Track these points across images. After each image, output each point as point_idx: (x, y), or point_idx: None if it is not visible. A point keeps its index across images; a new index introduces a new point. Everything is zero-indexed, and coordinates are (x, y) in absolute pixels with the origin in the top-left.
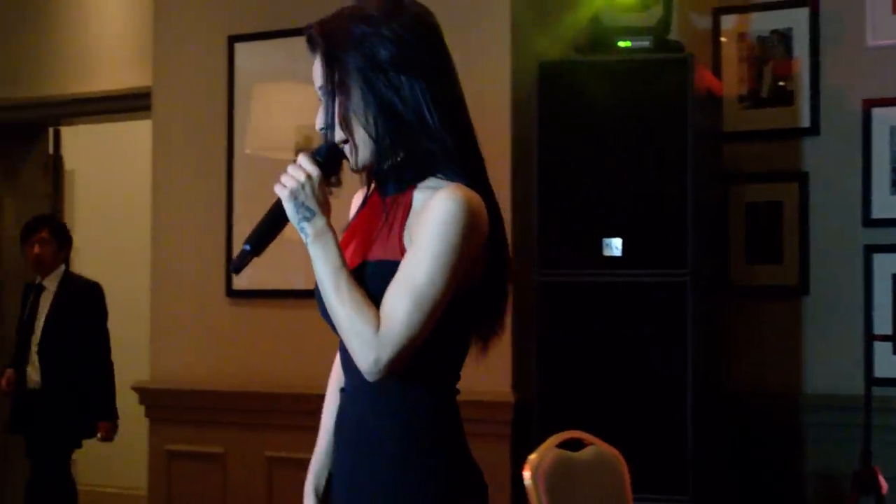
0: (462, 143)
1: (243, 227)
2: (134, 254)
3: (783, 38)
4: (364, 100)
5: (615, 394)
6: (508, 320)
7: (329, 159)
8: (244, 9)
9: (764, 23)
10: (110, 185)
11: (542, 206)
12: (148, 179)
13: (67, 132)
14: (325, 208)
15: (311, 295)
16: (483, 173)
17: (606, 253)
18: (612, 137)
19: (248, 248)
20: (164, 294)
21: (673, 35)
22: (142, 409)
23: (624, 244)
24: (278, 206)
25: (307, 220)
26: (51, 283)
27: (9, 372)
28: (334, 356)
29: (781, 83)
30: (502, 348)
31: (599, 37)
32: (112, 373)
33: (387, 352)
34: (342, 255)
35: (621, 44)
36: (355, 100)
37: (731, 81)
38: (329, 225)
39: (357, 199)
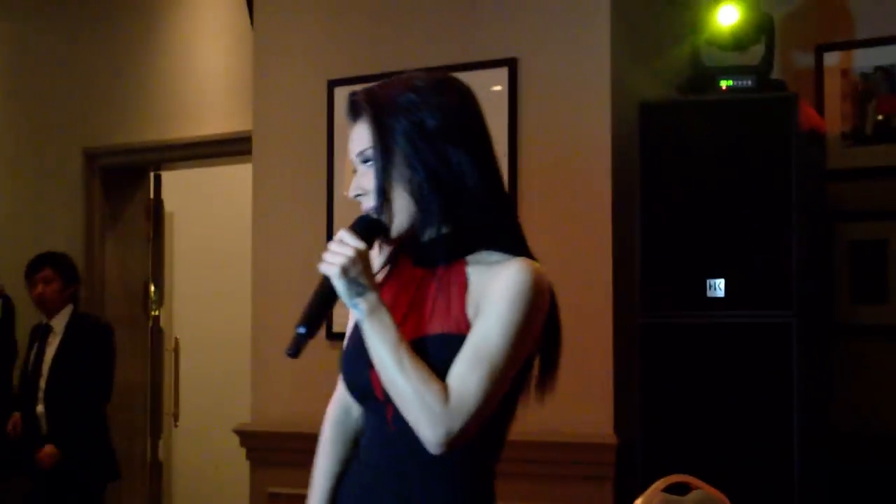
0: (509, 216)
1: None
2: (234, 296)
3: (887, 74)
4: (410, 167)
5: (719, 436)
6: (610, 361)
7: (370, 231)
8: (343, 53)
9: (867, 59)
10: (209, 227)
11: (644, 248)
12: (247, 222)
13: (167, 176)
14: (374, 282)
15: None
16: (527, 246)
17: (710, 294)
18: (714, 177)
19: (302, 330)
20: (265, 336)
21: (775, 73)
22: (242, 451)
23: (727, 285)
24: (326, 284)
25: (360, 295)
26: (58, 324)
27: (15, 416)
28: None
29: (885, 120)
30: (604, 390)
31: (701, 76)
32: (103, 426)
33: (458, 424)
34: (398, 329)
35: (723, 83)
36: (400, 167)
37: (835, 119)
38: (381, 299)
39: None
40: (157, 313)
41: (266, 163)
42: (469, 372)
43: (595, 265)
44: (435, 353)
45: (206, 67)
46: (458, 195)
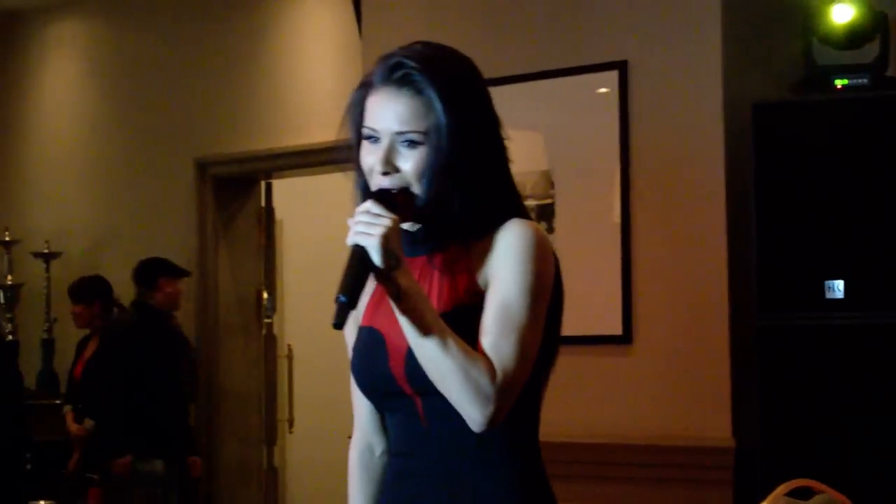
0: (516, 195)
1: None
2: None
3: None
4: (464, 158)
5: (840, 439)
6: (727, 364)
7: (392, 207)
8: None
9: None
10: (320, 234)
11: (760, 249)
12: None
13: (278, 184)
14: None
15: (574, 342)
16: (527, 213)
17: (829, 295)
18: (831, 177)
19: (343, 299)
20: None
21: (890, 71)
22: None
23: (846, 286)
24: (361, 256)
25: (397, 268)
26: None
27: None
28: (583, 405)
29: None
30: (722, 393)
31: (815, 75)
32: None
33: (505, 398)
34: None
35: (838, 82)
36: (451, 156)
37: None
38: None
39: None
40: (270, 320)
41: None
42: (501, 339)
43: (711, 267)
44: (456, 328)
45: (314, 75)
46: (483, 182)
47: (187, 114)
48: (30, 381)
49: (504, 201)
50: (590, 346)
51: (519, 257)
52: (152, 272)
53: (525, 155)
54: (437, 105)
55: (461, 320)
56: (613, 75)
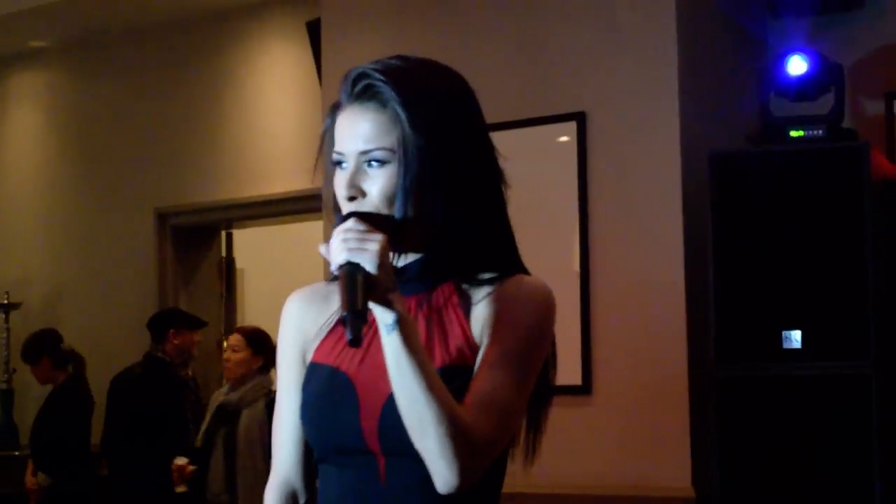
0: (506, 229)
1: None
2: None
3: None
4: (436, 179)
5: (798, 491)
6: (686, 414)
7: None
8: None
9: None
10: (280, 284)
11: (718, 299)
12: (318, 278)
13: (238, 234)
14: None
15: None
16: (521, 260)
17: (786, 345)
18: (787, 228)
19: (350, 315)
20: None
21: (846, 122)
22: None
23: (804, 336)
24: (354, 273)
25: (393, 290)
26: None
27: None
28: (542, 455)
29: None
30: (681, 443)
31: (771, 127)
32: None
33: (482, 457)
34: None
35: (794, 133)
36: (425, 171)
37: None
38: None
39: (297, 305)
40: None
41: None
42: (492, 400)
43: (669, 317)
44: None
45: (275, 126)
46: (465, 211)
47: (147, 164)
48: None
49: (498, 243)
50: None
51: (523, 318)
52: (162, 324)
53: None
54: (402, 115)
55: (450, 381)
56: (572, 126)
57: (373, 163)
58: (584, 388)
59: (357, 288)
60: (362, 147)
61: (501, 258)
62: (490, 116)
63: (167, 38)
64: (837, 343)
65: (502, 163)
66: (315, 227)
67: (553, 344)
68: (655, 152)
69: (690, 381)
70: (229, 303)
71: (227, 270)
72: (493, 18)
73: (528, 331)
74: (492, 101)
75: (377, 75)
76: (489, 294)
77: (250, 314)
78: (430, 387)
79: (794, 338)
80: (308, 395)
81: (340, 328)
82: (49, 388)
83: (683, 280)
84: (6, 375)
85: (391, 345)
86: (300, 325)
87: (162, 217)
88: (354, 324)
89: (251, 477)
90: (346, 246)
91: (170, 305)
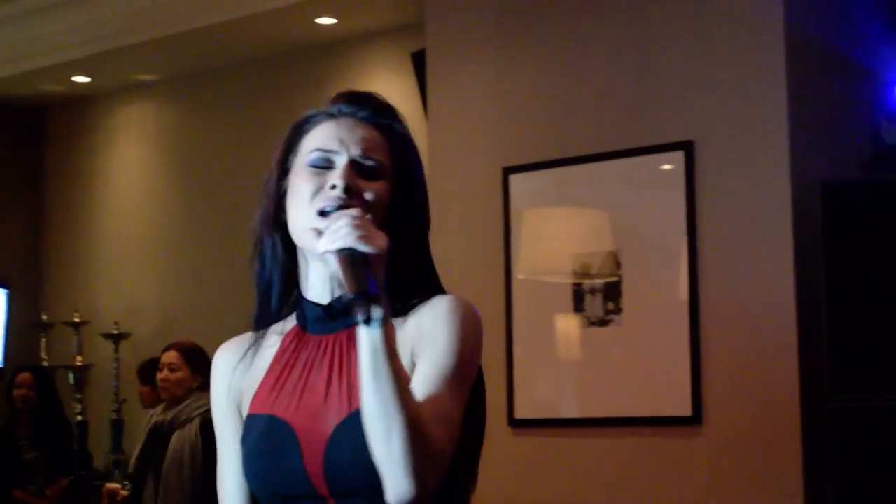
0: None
1: (521, 351)
2: None
3: None
4: (407, 206)
5: None
6: (798, 446)
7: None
8: (517, 140)
9: None
10: None
11: (831, 328)
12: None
13: None
14: None
15: (592, 423)
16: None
17: None
18: None
19: (370, 292)
20: None
21: None
22: None
23: None
24: (353, 259)
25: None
26: None
27: None
28: (653, 487)
29: None
30: (793, 476)
31: (882, 154)
32: None
33: (438, 468)
34: None
35: None
36: (406, 199)
37: None
38: None
39: (224, 361)
40: None
41: (444, 248)
42: (441, 413)
43: (780, 348)
44: None
45: None
46: (419, 245)
47: (251, 197)
48: (98, 461)
49: (430, 274)
50: (659, 427)
51: (454, 331)
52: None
53: (592, 234)
54: (400, 143)
55: None
56: (679, 155)
57: (368, 171)
58: (695, 419)
59: (366, 269)
60: (360, 152)
61: (428, 286)
62: (597, 145)
63: (272, 71)
64: None
65: None
66: None
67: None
68: (764, 181)
69: (803, 412)
70: None
71: None
72: (598, 47)
73: (461, 343)
74: (599, 130)
75: (381, 99)
76: (413, 314)
77: None
78: (402, 389)
79: None
80: (249, 447)
81: (272, 376)
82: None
83: (795, 310)
84: (116, 405)
85: (372, 341)
86: (230, 380)
87: None
88: (366, 304)
89: (177, 502)
90: (357, 233)
91: None
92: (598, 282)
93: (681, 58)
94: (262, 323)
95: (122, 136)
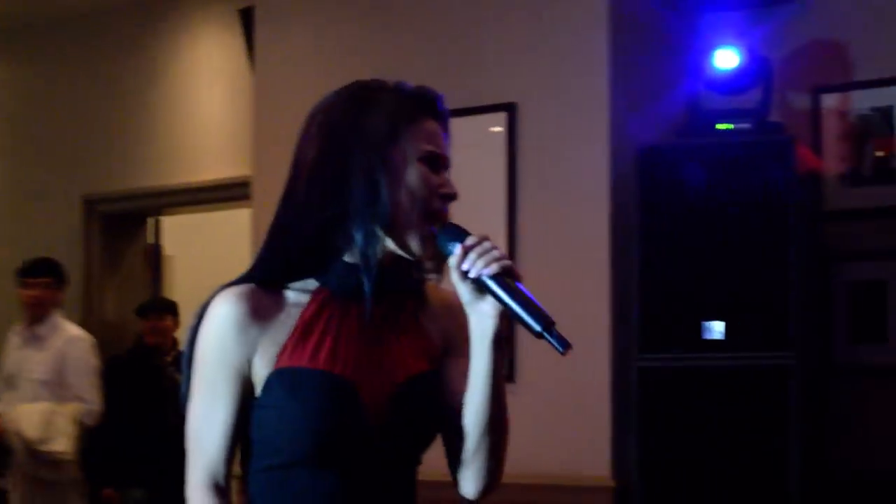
0: None
1: None
2: None
3: (884, 115)
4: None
5: (717, 480)
6: (607, 404)
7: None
8: None
9: (864, 101)
10: (210, 271)
11: (642, 290)
12: (247, 266)
13: (167, 221)
14: None
15: None
16: None
17: (707, 336)
18: (712, 220)
19: (540, 328)
20: None
21: (773, 116)
22: None
23: (726, 327)
24: (505, 284)
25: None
26: None
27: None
28: None
29: (883, 161)
30: (602, 433)
31: (698, 120)
32: None
33: None
34: None
35: (721, 126)
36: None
37: (832, 160)
38: None
39: (239, 309)
40: None
41: (266, 207)
42: None
43: (593, 308)
44: (429, 390)
45: (206, 113)
46: None
47: (75, 151)
48: None
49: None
50: None
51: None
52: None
53: None
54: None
55: (429, 384)
56: (503, 117)
57: (447, 168)
58: (507, 377)
59: (524, 297)
60: (447, 152)
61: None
62: None
63: (95, 26)
64: (759, 334)
65: None
66: (243, 214)
67: None
68: (585, 144)
69: (613, 371)
70: (157, 290)
71: (155, 257)
72: (424, 7)
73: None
74: None
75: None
76: (437, 296)
77: (180, 300)
78: (503, 397)
79: (717, 329)
80: (316, 405)
81: (312, 332)
82: None
83: (609, 271)
84: None
85: (500, 357)
86: (246, 329)
87: (90, 204)
88: (557, 336)
89: None
90: (502, 264)
91: (96, 295)
92: None
93: (506, 20)
94: (275, 274)
95: None
